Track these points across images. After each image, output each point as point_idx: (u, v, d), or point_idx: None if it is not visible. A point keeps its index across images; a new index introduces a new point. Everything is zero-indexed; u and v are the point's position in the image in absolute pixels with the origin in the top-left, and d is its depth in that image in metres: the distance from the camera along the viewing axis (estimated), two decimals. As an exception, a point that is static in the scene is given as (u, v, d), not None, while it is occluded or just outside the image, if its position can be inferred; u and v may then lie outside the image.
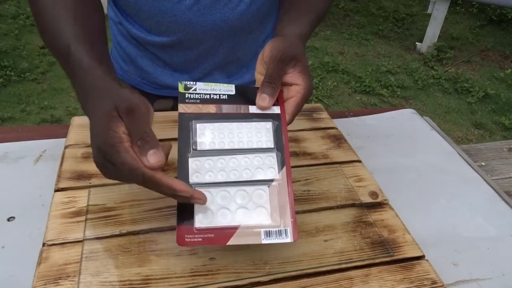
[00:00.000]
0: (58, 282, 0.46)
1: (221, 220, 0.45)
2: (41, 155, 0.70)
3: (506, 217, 0.68)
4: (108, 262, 0.49)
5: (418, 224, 0.63)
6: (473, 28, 3.90)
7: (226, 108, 0.50)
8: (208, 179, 0.46)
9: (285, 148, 0.49)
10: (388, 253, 0.54)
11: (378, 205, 0.61)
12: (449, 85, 3.03)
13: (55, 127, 0.81)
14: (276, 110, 0.51)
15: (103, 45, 0.56)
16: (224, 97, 0.51)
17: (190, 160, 0.47)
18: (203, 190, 0.46)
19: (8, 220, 0.58)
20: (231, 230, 0.45)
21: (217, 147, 0.48)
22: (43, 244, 0.50)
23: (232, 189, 0.47)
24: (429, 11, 3.44)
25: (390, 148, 0.81)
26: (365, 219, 0.58)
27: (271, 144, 0.49)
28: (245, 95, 0.51)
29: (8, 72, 2.62)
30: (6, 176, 0.65)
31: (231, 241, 0.44)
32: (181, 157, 0.47)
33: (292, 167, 0.66)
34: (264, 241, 0.45)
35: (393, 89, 2.91)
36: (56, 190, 0.57)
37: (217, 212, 0.45)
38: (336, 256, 0.53)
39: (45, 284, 0.45)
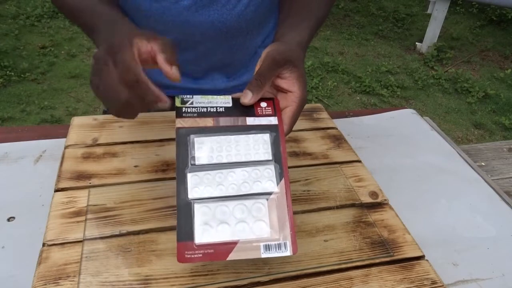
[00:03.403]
0: (58, 282, 0.46)
1: (221, 235, 0.45)
2: (41, 155, 0.70)
3: (506, 217, 0.68)
4: (108, 262, 0.49)
5: (418, 224, 0.63)
6: (473, 28, 3.89)
7: (224, 121, 0.50)
8: (207, 194, 0.47)
9: (283, 160, 0.49)
10: (388, 253, 0.54)
11: (378, 205, 0.61)
12: (449, 85, 3.03)
13: (55, 127, 0.81)
14: (274, 121, 0.51)
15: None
16: (221, 109, 0.51)
17: (189, 175, 0.47)
18: (202, 205, 0.46)
19: (8, 220, 0.58)
20: (230, 245, 0.45)
21: (215, 161, 0.48)
22: (43, 244, 0.50)
23: (231, 204, 0.47)
24: (429, 11, 3.43)
25: (390, 148, 0.81)
26: (365, 219, 0.58)
27: (269, 156, 0.49)
28: (242, 106, 0.51)
29: (8, 72, 2.62)
30: (6, 176, 0.65)
31: (231, 256, 0.44)
32: (180, 172, 0.47)
33: (292, 167, 0.66)
34: (264, 255, 0.45)
35: (393, 89, 2.91)
36: (56, 190, 0.57)
37: (216, 227, 0.45)
38: (336, 256, 0.53)
39: (45, 284, 0.45)
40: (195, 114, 0.50)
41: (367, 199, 0.62)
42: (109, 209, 0.55)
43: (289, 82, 0.51)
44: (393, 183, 0.70)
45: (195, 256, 0.44)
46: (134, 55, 0.44)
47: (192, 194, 0.46)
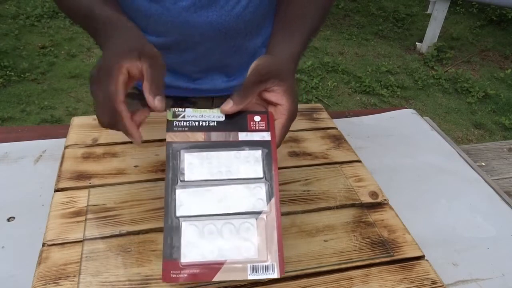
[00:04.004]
0: (58, 282, 0.46)
1: (208, 255, 0.44)
2: (41, 155, 0.70)
3: (506, 217, 0.68)
4: (108, 262, 0.49)
5: (418, 224, 0.63)
6: (473, 28, 3.89)
7: (215, 136, 0.49)
8: (195, 211, 0.46)
9: (274, 178, 0.48)
10: (388, 253, 0.54)
11: (378, 205, 0.61)
12: (449, 85, 3.03)
13: (55, 127, 0.81)
14: (267, 137, 0.50)
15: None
16: (213, 123, 0.50)
17: (177, 191, 0.46)
18: (190, 224, 0.45)
19: (8, 220, 0.58)
20: (217, 265, 0.44)
21: (205, 177, 0.48)
22: (43, 244, 0.50)
23: (219, 223, 0.46)
24: (429, 11, 3.43)
25: (390, 148, 0.81)
26: (365, 219, 0.58)
27: (260, 174, 0.48)
28: (235, 121, 0.50)
29: (8, 72, 2.62)
30: (6, 176, 0.65)
31: (217, 277, 0.44)
32: (168, 188, 0.46)
33: (292, 167, 0.66)
34: (250, 277, 0.44)
35: (393, 89, 2.91)
36: (56, 190, 0.57)
37: (203, 247, 0.45)
38: (336, 256, 0.53)
39: (45, 284, 0.45)
40: (187, 128, 0.49)
41: (367, 199, 0.62)
42: (109, 209, 0.55)
43: (277, 95, 0.51)
44: (393, 183, 0.70)
45: (181, 276, 0.43)
46: (117, 86, 0.46)
47: (180, 211, 0.45)
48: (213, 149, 0.49)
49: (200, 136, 0.49)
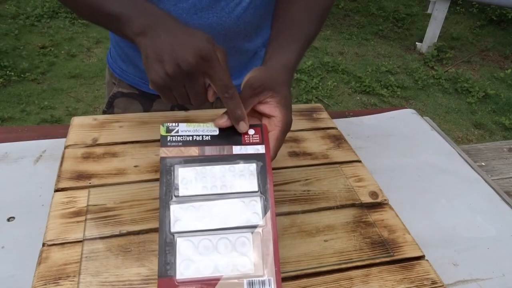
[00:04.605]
0: (58, 282, 0.46)
1: (203, 271, 0.44)
2: (41, 155, 0.70)
3: (506, 217, 0.68)
4: (108, 262, 0.49)
5: (418, 224, 0.63)
6: (473, 28, 3.89)
7: (209, 150, 0.49)
8: (190, 227, 0.45)
9: (269, 191, 0.48)
10: (388, 253, 0.54)
11: (378, 205, 0.61)
12: (449, 85, 3.03)
13: (55, 127, 0.81)
14: (261, 149, 0.50)
15: None
16: (207, 138, 0.50)
17: (172, 207, 0.46)
18: (185, 239, 0.45)
19: (8, 220, 0.58)
20: (213, 282, 0.43)
21: (199, 192, 0.47)
22: (43, 244, 0.50)
23: (215, 238, 0.45)
24: (429, 11, 3.43)
25: (390, 148, 0.81)
26: (365, 219, 0.58)
27: (255, 187, 0.48)
28: (228, 134, 0.50)
29: (8, 72, 2.62)
30: (6, 176, 0.65)
31: None
32: (163, 204, 0.46)
33: (292, 167, 0.66)
34: None
35: (393, 89, 2.91)
36: (56, 190, 0.57)
37: (199, 263, 0.44)
38: (336, 256, 0.53)
39: (45, 284, 0.45)
40: (180, 143, 0.49)
41: (367, 199, 0.62)
42: (109, 209, 0.55)
43: (270, 107, 0.51)
44: (393, 183, 0.70)
45: None
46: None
47: (175, 227, 0.45)
48: (207, 164, 0.49)
49: (194, 151, 0.49)
